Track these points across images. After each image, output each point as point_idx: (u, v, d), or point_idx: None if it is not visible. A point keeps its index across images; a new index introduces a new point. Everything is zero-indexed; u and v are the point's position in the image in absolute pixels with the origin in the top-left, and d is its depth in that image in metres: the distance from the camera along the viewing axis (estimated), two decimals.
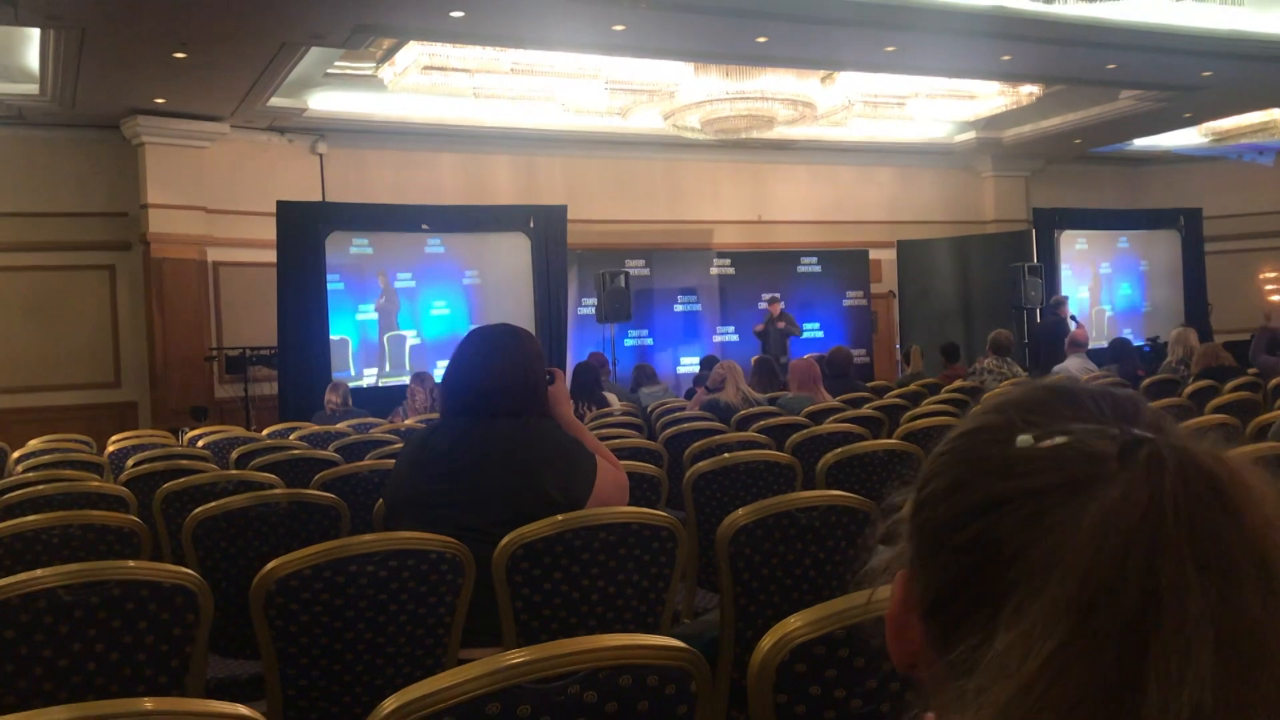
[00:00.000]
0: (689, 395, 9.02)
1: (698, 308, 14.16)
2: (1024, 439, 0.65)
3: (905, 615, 0.71)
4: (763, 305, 13.53)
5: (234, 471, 4.35)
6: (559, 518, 2.41)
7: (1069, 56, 10.72)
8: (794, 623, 1.53)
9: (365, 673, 2.32)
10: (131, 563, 2.30)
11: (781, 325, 12.78)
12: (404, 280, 12.44)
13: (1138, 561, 0.58)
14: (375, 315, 12.19)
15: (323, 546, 2.27)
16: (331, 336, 11.59)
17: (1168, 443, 0.62)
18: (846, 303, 14.93)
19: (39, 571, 2.12)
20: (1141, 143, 16.08)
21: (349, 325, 12.09)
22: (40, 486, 3.68)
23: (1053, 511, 0.61)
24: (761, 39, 9.77)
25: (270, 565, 2.22)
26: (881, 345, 15.32)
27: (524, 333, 2.81)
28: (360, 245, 12.18)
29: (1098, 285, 15.99)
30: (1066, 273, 15.44)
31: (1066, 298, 13.89)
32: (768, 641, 1.51)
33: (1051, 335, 11.86)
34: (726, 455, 3.86)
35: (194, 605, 2.21)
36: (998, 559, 0.62)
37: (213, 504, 3.09)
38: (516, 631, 2.39)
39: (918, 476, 0.72)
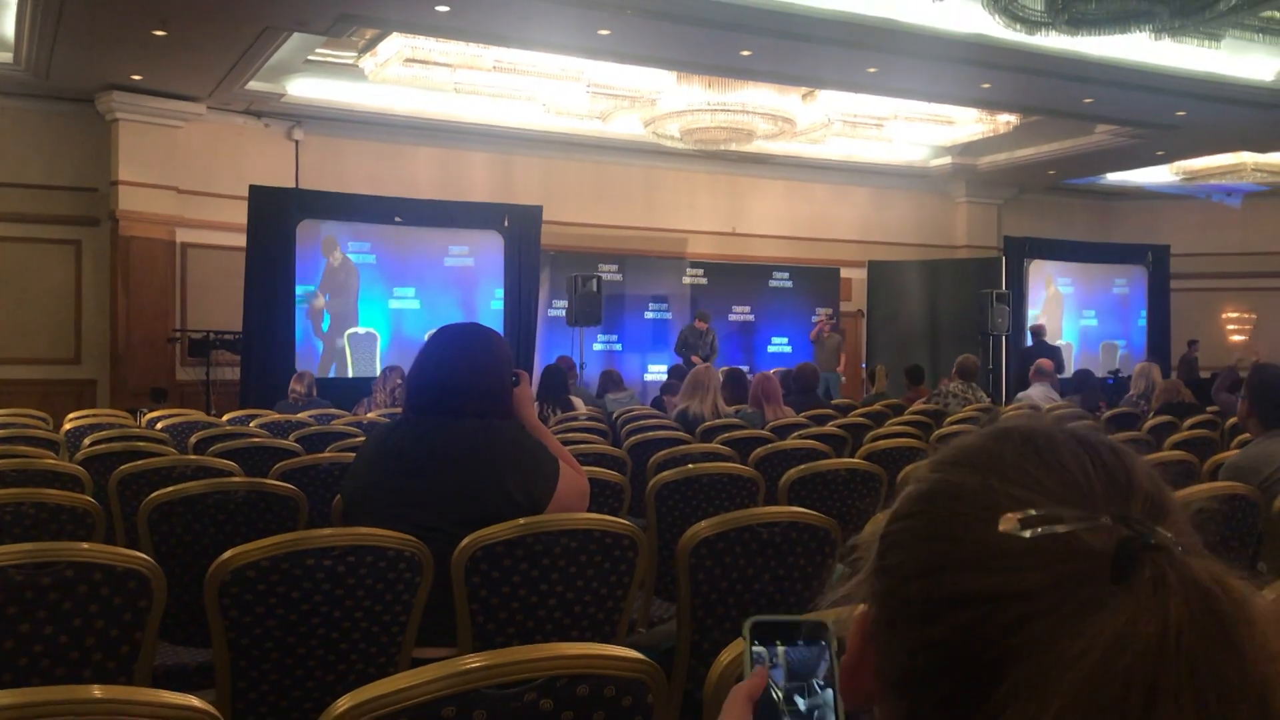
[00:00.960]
0: (655, 404, 9.01)
1: (668, 316, 14.17)
2: (1008, 522, 0.60)
3: (860, 664, 0.69)
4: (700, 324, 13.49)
5: (192, 456, 4.28)
6: (520, 521, 2.40)
7: (1047, 88, 10.86)
8: None
9: (317, 667, 2.30)
10: (85, 545, 2.26)
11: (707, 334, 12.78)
12: (459, 258, 12.17)
13: (1138, 699, 0.54)
14: (407, 304, 11.87)
15: (280, 538, 2.25)
16: (359, 329, 11.29)
17: (1169, 559, 0.58)
18: (816, 319, 14.99)
19: None
20: (1114, 177, 16.32)
21: (377, 316, 11.75)
22: None
23: (1041, 618, 0.58)
24: (745, 52, 9.81)
25: (226, 554, 2.19)
26: (848, 364, 15.39)
27: (492, 333, 2.81)
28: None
29: (1106, 315, 16.10)
30: (1067, 297, 15.63)
31: (1044, 325, 14.06)
32: (727, 656, 1.50)
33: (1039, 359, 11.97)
34: (690, 466, 3.85)
35: (147, 590, 2.18)
36: (976, 663, 0.59)
37: (170, 489, 3.05)
38: (472, 634, 2.38)
39: (882, 527, 0.68)
